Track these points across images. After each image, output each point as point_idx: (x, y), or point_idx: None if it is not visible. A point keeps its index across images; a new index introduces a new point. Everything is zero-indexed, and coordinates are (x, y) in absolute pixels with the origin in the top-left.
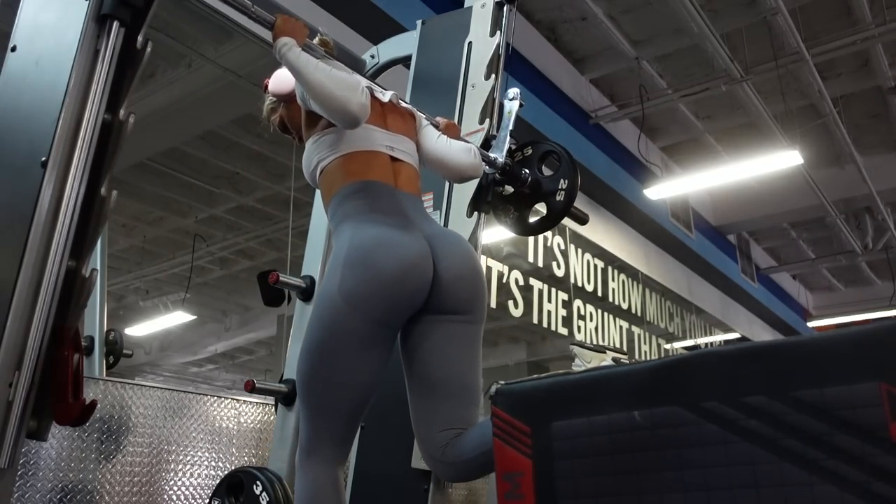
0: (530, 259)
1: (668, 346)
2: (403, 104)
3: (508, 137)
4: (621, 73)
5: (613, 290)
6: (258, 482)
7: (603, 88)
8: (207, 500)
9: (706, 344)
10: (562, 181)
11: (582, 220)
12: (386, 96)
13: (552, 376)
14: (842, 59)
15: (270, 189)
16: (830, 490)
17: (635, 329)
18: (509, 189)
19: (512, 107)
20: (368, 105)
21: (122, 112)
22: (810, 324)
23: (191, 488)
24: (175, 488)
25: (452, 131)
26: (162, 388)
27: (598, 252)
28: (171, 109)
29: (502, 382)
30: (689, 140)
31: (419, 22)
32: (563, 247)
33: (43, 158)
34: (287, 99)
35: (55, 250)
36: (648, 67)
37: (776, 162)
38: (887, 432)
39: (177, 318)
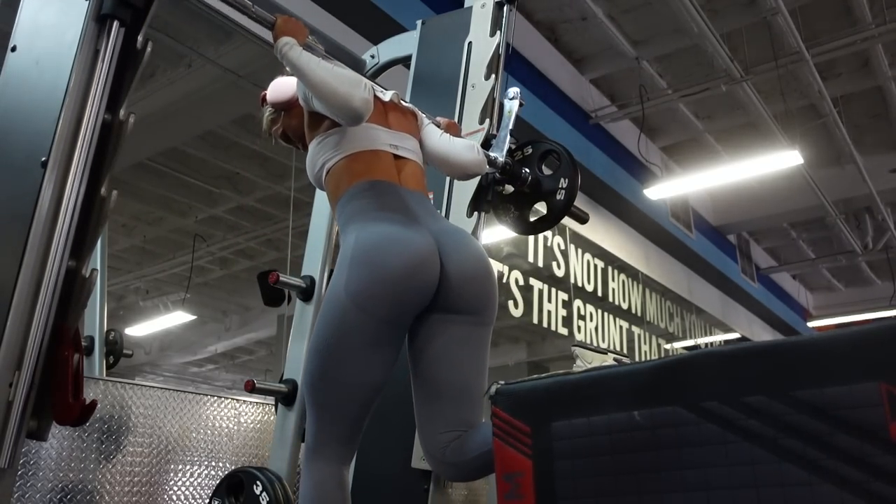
0: (530, 259)
1: (668, 346)
2: (405, 103)
3: (509, 137)
4: (621, 73)
5: (613, 290)
6: (258, 482)
7: (603, 88)
8: (207, 500)
9: (706, 344)
10: (562, 180)
11: (582, 218)
12: (387, 95)
13: (552, 376)
14: (842, 59)
15: (270, 189)
16: (830, 490)
17: (635, 329)
18: (509, 188)
19: (512, 106)
20: (371, 100)
21: (122, 112)
22: (810, 324)
23: (191, 488)
24: (175, 488)
25: (453, 130)
26: (162, 388)
27: (598, 252)
28: (171, 109)
29: (502, 382)
30: (689, 140)
31: (419, 22)
32: (563, 247)
33: (43, 158)
34: (287, 107)
35: (55, 250)
36: (648, 67)
37: (776, 162)
38: (887, 432)
39: (177, 318)
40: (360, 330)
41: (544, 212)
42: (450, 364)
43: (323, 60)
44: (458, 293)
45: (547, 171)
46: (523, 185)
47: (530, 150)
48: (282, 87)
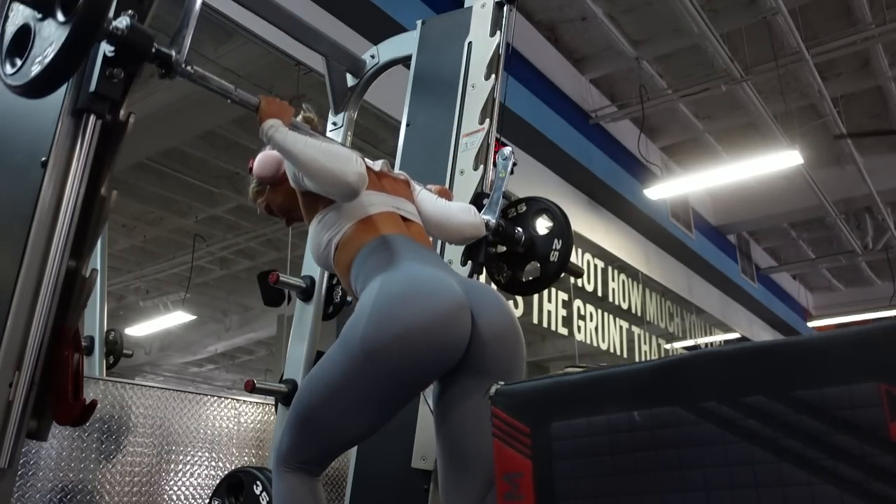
0: None
1: (668, 346)
2: (395, 172)
3: (501, 198)
4: (621, 73)
5: (613, 290)
6: (258, 482)
7: (603, 88)
8: (207, 500)
9: (706, 344)
10: (556, 241)
11: (577, 274)
12: (377, 165)
13: (552, 376)
14: (842, 59)
15: None
16: (830, 490)
17: (635, 329)
18: (502, 247)
19: (506, 167)
20: (366, 174)
21: (122, 112)
22: (810, 324)
23: (191, 488)
24: (175, 488)
25: (446, 196)
26: (162, 388)
27: (598, 252)
28: (171, 109)
29: (502, 383)
30: (689, 140)
31: (419, 22)
32: None
33: (43, 158)
34: (272, 182)
35: (55, 250)
36: (648, 67)
37: (776, 162)
38: (886, 432)
39: (177, 318)
40: (369, 389)
41: (538, 272)
42: (480, 437)
43: (310, 138)
44: (490, 354)
45: (541, 230)
46: (516, 245)
47: (524, 208)
48: (267, 161)
